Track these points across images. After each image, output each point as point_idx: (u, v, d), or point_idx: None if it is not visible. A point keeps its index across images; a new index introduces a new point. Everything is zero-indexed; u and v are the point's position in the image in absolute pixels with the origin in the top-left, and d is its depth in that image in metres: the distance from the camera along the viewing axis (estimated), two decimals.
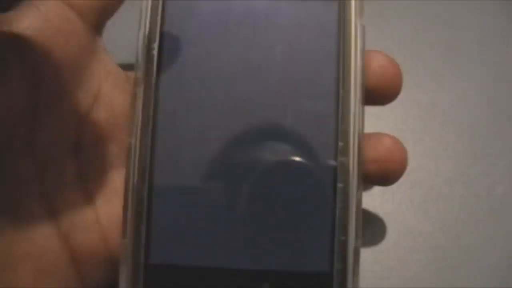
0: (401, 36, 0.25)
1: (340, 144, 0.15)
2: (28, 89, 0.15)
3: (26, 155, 0.16)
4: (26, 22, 0.15)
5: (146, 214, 0.15)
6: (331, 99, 0.16)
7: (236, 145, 0.16)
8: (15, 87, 0.15)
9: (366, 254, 0.21)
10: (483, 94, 0.24)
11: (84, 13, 0.16)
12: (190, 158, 0.16)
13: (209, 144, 0.16)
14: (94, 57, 0.17)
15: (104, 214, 0.17)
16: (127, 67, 0.18)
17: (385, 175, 0.17)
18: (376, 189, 0.22)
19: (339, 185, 0.15)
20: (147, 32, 0.16)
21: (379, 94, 0.17)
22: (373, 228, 0.22)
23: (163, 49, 0.16)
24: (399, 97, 0.17)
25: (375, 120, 0.23)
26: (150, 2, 0.16)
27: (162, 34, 0.16)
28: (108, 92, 0.17)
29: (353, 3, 0.16)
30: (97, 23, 0.17)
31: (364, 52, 0.16)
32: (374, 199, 0.22)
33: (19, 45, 0.15)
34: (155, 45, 0.16)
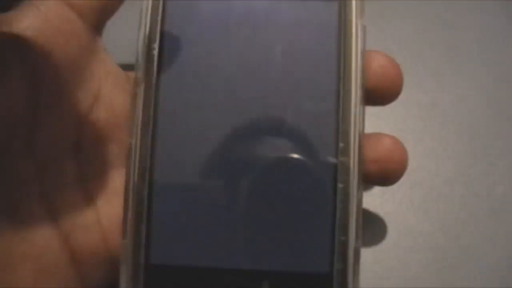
0: (401, 36, 0.25)
1: (341, 144, 0.15)
2: (28, 89, 0.15)
3: (26, 155, 0.16)
4: (26, 22, 0.15)
5: (147, 214, 0.15)
6: (332, 99, 0.16)
7: (237, 145, 0.16)
8: (15, 87, 0.15)
9: (366, 254, 0.21)
10: (483, 94, 0.24)
11: (84, 13, 0.16)
12: (191, 158, 0.16)
13: (209, 144, 0.16)
14: (94, 57, 0.17)
15: (104, 214, 0.17)
16: (127, 67, 0.18)
17: (385, 175, 0.17)
18: (376, 189, 0.22)
19: (340, 185, 0.15)
20: (147, 32, 0.16)
21: (379, 94, 0.17)
22: (373, 228, 0.22)
23: (164, 49, 0.16)
24: (399, 97, 0.17)
25: (375, 120, 0.23)
26: (150, 2, 0.16)
27: (162, 34, 0.16)
28: (108, 92, 0.17)
29: (353, 3, 0.16)
30: (97, 23, 0.17)
31: (364, 52, 0.16)
32: (374, 199, 0.22)
33: (19, 45, 0.15)
34: (156, 45, 0.16)
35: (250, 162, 0.16)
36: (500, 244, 0.21)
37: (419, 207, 0.22)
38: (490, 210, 0.22)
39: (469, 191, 0.22)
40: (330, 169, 0.15)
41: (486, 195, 0.22)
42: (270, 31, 0.16)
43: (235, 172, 0.16)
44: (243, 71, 0.16)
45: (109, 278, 0.17)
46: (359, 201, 0.15)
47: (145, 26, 0.16)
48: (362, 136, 0.16)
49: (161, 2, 0.16)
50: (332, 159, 0.16)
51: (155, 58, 0.16)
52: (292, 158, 0.16)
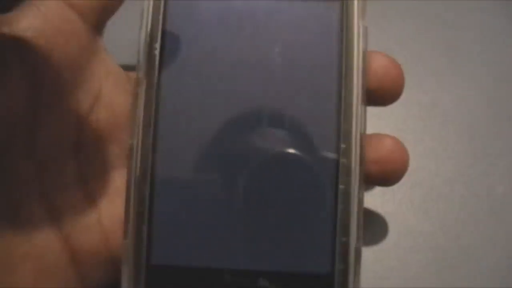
0: (402, 36, 0.25)
1: (342, 145, 0.15)
2: (28, 89, 0.15)
3: (26, 155, 0.16)
4: (26, 22, 0.15)
5: (148, 215, 0.15)
6: (334, 100, 0.16)
7: (238, 146, 0.16)
8: (15, 87, 0.15)
9: (367, 254, 0.21)
10: (483, 94, 0.24)
11: (84, 13, 0.16)
12: (192, 158, 0.16)
13: (210, 144, 0.16)
14: (94, 57, 0.17)
15: (105, 215, 0.17)
16: (127, 67, 0.18)
17: (386, 175, 0.17)
18: (377, 189, 0.22)
19: (341, 186, 0.15)
20: (149, 32, 0.16)
21: (381, 95, 0.17)
22: (373, 228, 0.22)
23: (165, 49, 0.16)
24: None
25: (376, 121, 0.23)
26: (152, 2, 0.16)
27: (164, 34, 0.16)
28: (108, 92, 0.17)
29: (355, 3, 0.16)
30: (97, 23, 0.17)
31: (366, 53, 0.16)
32: (375, 199, 0.22)
33: (19, 45, 0.15)
34: (157, 45, 0.16)
35: (251, 163, 0.16)
36: (500, 244, 0.21)
37: (419, 207, 0.22)
38: (490, 210, 0.22)
39: (469, 191, 0.22)
40: (331, 170, 0.15)
41: (486, 195, 0.22)
42: (272, 31, 0.16)
43: (236, 173, 0.16)
44: (245, 72, 0.16)
45: (109, 278, 0.17)
46: (360, 202, 0.15)
47: (147, 26, 0.16)
48: (364, 137, 0.16)
49: (162, 2, 0.16)
50: (333, 160, 0.16)
51: (157, 58, 0.16)
52: (294, 158, 0.16)
